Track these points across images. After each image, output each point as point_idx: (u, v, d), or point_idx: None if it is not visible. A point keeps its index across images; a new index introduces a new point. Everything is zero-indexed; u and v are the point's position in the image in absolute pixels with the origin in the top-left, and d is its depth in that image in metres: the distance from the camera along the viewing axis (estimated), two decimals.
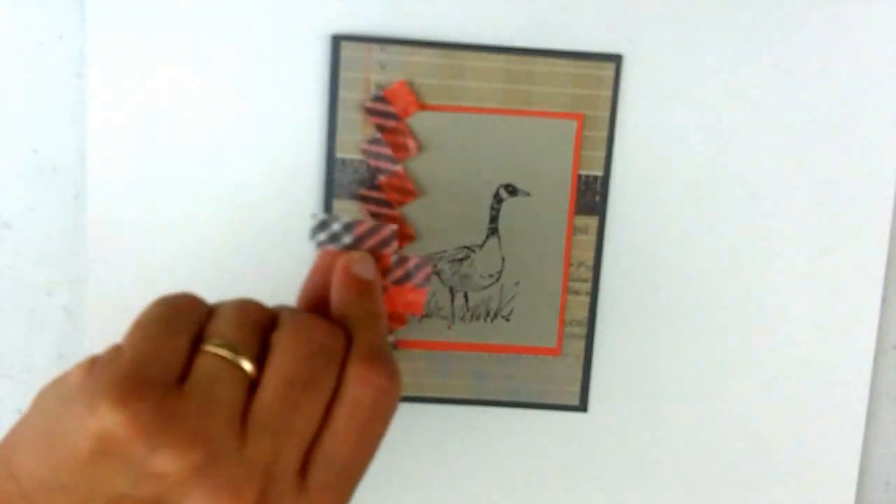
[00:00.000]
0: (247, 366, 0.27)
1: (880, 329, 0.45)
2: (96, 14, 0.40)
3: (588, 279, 0.43)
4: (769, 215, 0.43)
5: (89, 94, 0.41)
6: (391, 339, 0.43)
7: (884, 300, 0.44)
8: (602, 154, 0.42)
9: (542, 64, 0.41)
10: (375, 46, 0.41)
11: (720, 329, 0.44)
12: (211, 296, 0.42)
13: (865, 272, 0.44)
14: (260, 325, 0.28)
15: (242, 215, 0.42)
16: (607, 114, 0.42)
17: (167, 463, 0.25)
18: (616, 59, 0.42)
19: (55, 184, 0.42)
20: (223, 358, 0.27)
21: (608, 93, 0.42)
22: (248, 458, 0.26)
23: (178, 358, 0.26)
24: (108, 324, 0.42)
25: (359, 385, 0.28)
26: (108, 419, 0.24)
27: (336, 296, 0.31)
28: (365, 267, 0.32)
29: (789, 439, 0.45)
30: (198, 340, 0.27)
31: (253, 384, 0.27)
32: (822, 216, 0.43)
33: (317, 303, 0.33)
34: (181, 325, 0.27)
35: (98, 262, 0.42)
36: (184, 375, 0.26)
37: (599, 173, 0.43)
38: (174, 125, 0.41)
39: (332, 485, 0.27)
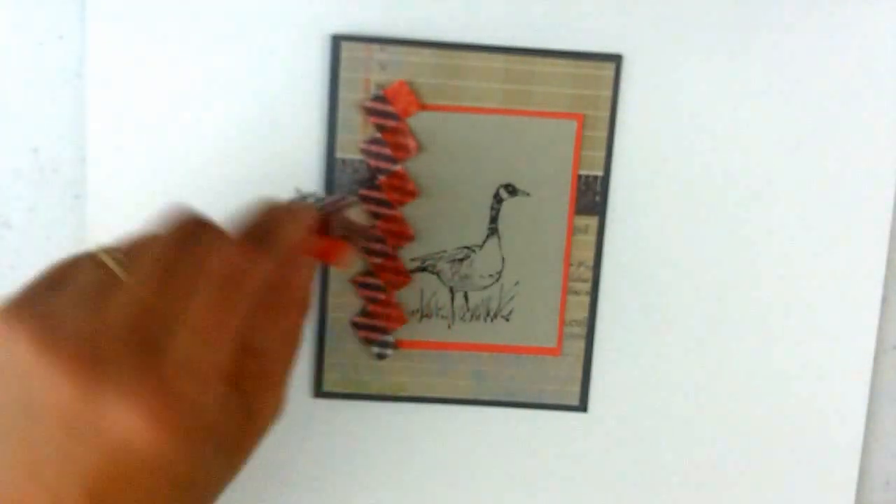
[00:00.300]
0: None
1: (880, 329, 0.45)
2: (96, 14, 0.40)
3: (588, 279, 0.43)
4: (769, 215, 0.43)
5: (89, 94, 0.41)
6: (390, 338, 0.43)
7: (884, 300, 0.44)
8: (602, 154, 0.42)
9: (541, 64, 0.41)
10: (375, 46, 0.41)
11: (720, 329, 0.44)
12: None
13: (865, 272, 0.44)
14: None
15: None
16: (607, 114, 0.42)
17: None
18: (616, 59, 0.42)
19: (55, 184, 0.42)
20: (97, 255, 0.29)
21: (608, 93, 0.42)
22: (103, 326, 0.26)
23: None
24: None
25: (218, 267, 0.29)
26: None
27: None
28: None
29: (789, 439, 0.45)
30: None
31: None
32: (822, 216, 0.43)
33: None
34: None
35: None
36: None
37: (599, 173, 0.42)
38: (174, 125, 0.41)
39: (188, 367, 0.27)
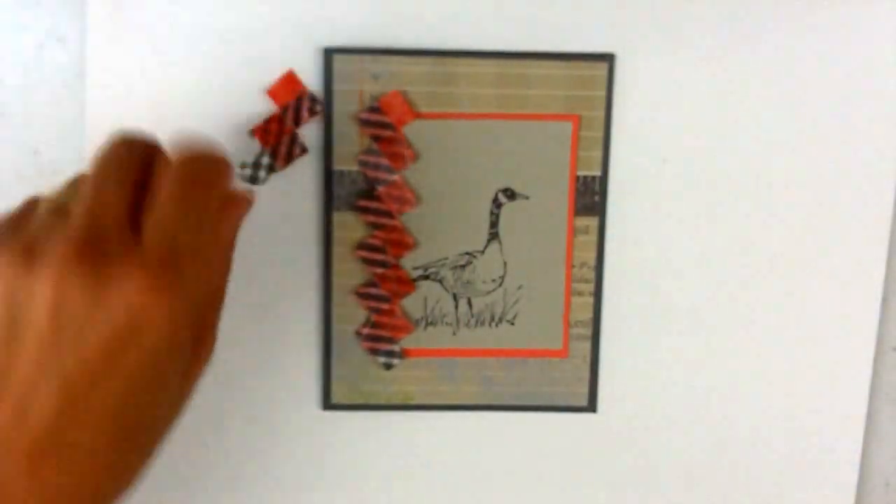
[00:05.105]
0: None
1: (880, 330, 0.44)
2: (96, 16, 0.40)
3: (591, 280, 0.43)
4: (769, 214, 0.43)
5: (89, 95, 0.41)
6: (396, 348, 0.43)
7: (884, 300, 0.44)
8: (599, 154, 0.42)
9: (534, 66, 0.41)
10: (367, 58, 0.41)
11: (721, 327, 0.44)
12: None
13: (865, 272, 0.44)
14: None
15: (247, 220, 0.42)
16: (602, 113, 0.42)
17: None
18: (609, 59, 0.41)
19: (56, 185, 0.42)
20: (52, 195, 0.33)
21: (602, 92, 0.42)
22: (72, 219, 0.30)
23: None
24: None
25: (178, 167, 0.32)
26: None
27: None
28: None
29: (789, 440, 0.45)
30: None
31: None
32: (822, 216, 0.43)
33: None
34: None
35: None
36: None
37: (597, 173, 0.42)
38: (173, 128, 0.41)
39: (162, 243, 0.30)
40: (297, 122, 0.41)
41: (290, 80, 0.41)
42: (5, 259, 0.29)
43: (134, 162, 0.32)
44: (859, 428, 0.45)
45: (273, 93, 0.41)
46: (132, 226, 0.30)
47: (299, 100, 0.41)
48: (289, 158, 0.42)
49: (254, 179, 0.42)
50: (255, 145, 0.42)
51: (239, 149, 0.42)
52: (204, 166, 0.32)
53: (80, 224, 0.30)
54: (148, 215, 0.31)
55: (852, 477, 0.45)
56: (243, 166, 0.41)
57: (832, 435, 0.45)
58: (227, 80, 0.41)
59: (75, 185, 0.33)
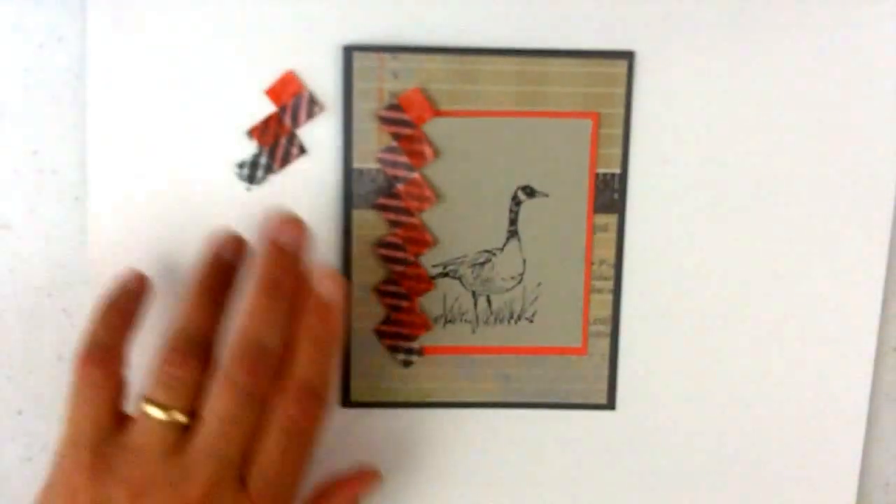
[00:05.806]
0: (179, 417, 0.36)
1: (881, 330, 0.44)
2: (96, 16, 0.40)
3: (610, 277, 0.43)
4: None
5: (89, 95, 0.41)
6: (416, 345, 0.43)
7: (884, 301, 0.44)
8: (619, 151, 0.42)
9: (553, 64, 0.41)
10: (387, 55, 0.41)
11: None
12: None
13: (866, 272, 0.44)
14: (195, 373, 0.36)
15: (249, 221, 0.42)
16: (622, 111, 0.42)
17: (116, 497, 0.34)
18: (628, 56, 0.41)
19: (55, 185, 0.42)
20: (154, 417, 0.36)
21: (622, 90, 0.42)
22: (188, 473, 0.34)
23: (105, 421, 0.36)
24: None
25: (285, 419, 0.36)
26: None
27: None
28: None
29: (789, 440, 0.45)
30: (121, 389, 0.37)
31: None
32: (826, 216, 0.43)
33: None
34: (99, 399, 0.36)
35: (98, 264, 0.42)
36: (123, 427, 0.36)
37: (617, 171, 0.42)
38: (176, 128, 0.41)
39: (269, 491, 0.36)
40: (296, 122, 0.41)
41: (288, 80, 0.41)
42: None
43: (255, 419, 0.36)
44: (859, 428, 0.45)
45: (272, 92, 0.41)
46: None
47: (298, 100, 0.41)
48: (286, 159, 0.41)
49: (251, 179, 0.41)
50: (254, 145, 0.42)
51: (241, 148, 0.42)
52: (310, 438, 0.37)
53: (197, 494, 0.34)
54: (257, 468, 0.36)
55: (852, 477, 0.46)
56: (241, 166, 0.41)
57: (832, 435, 0.45)
58: (229, 81, 0.41)
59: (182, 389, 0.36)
